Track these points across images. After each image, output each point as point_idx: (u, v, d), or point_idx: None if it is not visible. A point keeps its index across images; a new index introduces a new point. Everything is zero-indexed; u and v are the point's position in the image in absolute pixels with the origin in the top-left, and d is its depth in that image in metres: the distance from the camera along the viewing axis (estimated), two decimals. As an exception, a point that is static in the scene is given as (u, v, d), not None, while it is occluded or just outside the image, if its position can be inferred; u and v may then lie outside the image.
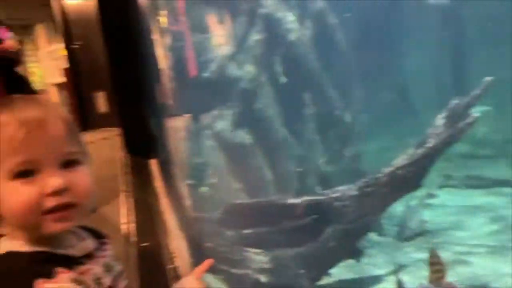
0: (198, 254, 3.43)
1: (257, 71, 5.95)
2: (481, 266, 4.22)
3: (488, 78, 3.36)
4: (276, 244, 3.51)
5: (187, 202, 4.45)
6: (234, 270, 3.21)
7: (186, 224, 3.81)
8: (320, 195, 3.65)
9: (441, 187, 6.86)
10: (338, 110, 6.23)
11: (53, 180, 0.92)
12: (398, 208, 5.94)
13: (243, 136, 6.02)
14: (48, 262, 0.88)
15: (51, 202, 0.91)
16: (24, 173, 0.88)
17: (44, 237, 0.94)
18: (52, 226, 1.00)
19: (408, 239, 5.23)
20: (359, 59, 6.55)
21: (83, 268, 0.90)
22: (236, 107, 6.02)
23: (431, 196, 5.71)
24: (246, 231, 3.54)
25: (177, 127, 6.26)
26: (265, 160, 6.00)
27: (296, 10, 5.99)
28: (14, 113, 0.89)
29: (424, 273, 4.30)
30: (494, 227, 5.27)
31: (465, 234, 5.15)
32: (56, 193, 0.93)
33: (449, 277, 4.14)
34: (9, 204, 0.87)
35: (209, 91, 6.06)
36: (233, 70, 6.00)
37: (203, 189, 5.74)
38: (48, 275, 0.81)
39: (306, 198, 3.77)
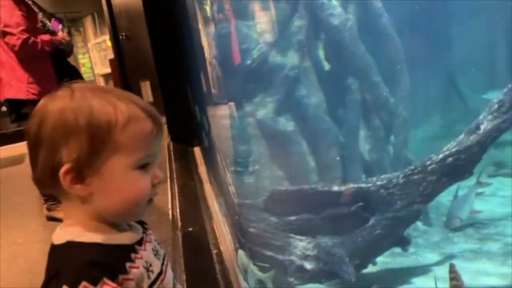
0: (242, 239, 3.49)
1: (300, 57, 5.88)
2: (535, 258, 4.04)
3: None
4: (320, 231, 3.50)
5: (231, 188, 4.53)
6: (278, 256, 3.24)
7: (230, 210, 3.88)
8: (366, 183, 3.59)
9: (492, 176, 6.55)
10: (384, 97, 6.08)
11: (158, 172, 1.01)
12: (446, 197, 5.77)
13: (286, 124, 6.00)
14: (111, 256, 0.94)
15: (154, 192, 1.05)
16: (143, 165, 0.96)
17: (114, 226, 1.02)
18: (145, 213, 1.14)
19: (457, 229, 5.06)
20: (406, 44, 6.32)
21: (137, 255, 0.98)
22: (278, 94, 6.00)
23: (482, 185, 5.45)
24: (290, 218, 3.55)
25: (221, 115, 6.33)
26: (308, 148, 5.96)
27: (339, -6, 5.86)
28: (142, 108, 0.95)
29: (473, 264, 4.18)
30: (550, 218, 5.01)
31: (518, 225, 4.92)
32: (158, 184, 1.07)
33: (501, 269, 4.00)
34: (128, 191, 0.94)
35: (251, 79, 6.08)
36: (276, 57, 5.97)
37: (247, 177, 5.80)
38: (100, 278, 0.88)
39: (351, 185, 3.73)
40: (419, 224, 5.34)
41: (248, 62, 6.21)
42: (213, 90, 7.27)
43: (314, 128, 6.05)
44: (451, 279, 2.57)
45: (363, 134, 6.14)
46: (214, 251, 3.62)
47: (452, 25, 9.28)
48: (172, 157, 7.12)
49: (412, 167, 3.41)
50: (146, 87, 14.08)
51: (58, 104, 0.93)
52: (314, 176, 5.87)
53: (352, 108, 6.08)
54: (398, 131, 6.11)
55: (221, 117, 6.70)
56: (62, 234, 0.97)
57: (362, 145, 6.15)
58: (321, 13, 5.80)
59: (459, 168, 3.21)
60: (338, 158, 5.92)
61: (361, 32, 5.84)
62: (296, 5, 5.82)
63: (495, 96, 3.65)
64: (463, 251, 4.43)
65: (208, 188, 5.49)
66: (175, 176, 6.08)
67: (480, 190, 5.52)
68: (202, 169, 6.27)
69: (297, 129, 5.96)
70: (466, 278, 3.95)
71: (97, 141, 0.90)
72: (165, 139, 8.48)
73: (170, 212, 4.80)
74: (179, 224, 4.28)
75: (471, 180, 5.40)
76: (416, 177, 3.34)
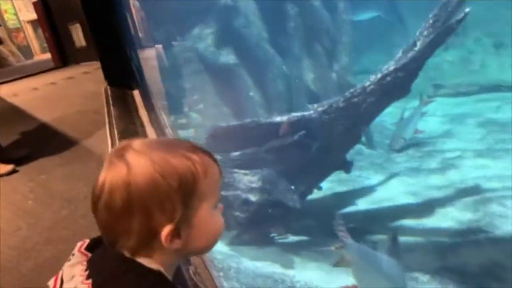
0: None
1: (236, -16, 5.53)
2: (472, 168, 4.26)
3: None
4: (265, 163, 3.45)
5: (168, 131, 4.34)
6: (223, 192, 3.18)
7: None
8: (307, 111, 3.52)
9: (431, 97, 6.76)
10: (325, 23, 5.90)
11: (220, 203, 1.07)
12: (390, 120, 5.91)
13: (227, 56, 5.76)
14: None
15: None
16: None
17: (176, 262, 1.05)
18: None
19: (400, 150, 5.24)
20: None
21: None
22: (217, 25, 5.69)
23: (425, 103, 5.63)
24: (233, 154, 3.46)
25: (151, 56, 5.98)
26: (252, 81, 5.80)
27: None
28: (208, 154, 1.03)
29: (415, 180, 4.36)
30: (482, 131, 5.28)
31: (454, 141, 5.16)
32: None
33: (439, 182, 4.20)
34: (214, 230, 1.01)
35: (187, 10, 5.70)
36: (211, -14, 5.58)
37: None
38: None
39: (293, 114, 3.65)
40: (363, 148, 5.48)
41: (182, -8, 5.79)
42: (146, 27, 6.82)
43: (257, 60, 5.86)
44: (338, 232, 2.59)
45: (307, 62, 6.03)
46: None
47: None
48: (110, 102, 6.73)
49: (352, 90, 3.36)
50: (77, 31, 13.04)
51: (141, 170, 0.93)
52: (260, 109, 5.77)
53: (294, 36, 5.89)
54: (341, 57, 6.04)
55: (152, 58, 6.34)
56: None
57: (306, 74, 6.06)
58: None
59: (397, 86, 3.19)
60: (283, 89, 5.83)
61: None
62: None
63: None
64: (405, 169, 4.60)
65: (150, 131, 5.25)
66: (114, 121, 5.77)
67: (424, 110, 5.69)
68: (142, 112, 5.98)
69: (239, 61, 5.74)
70: (408, 195, 4.14)
71: (189, 197, 0.95)
72: (102, 84, 8.00)
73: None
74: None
75: (414, 102, 5.54)
76: (356, 99, 3.30)
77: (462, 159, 4.57)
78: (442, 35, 3.09)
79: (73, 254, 1.05)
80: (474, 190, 3.81)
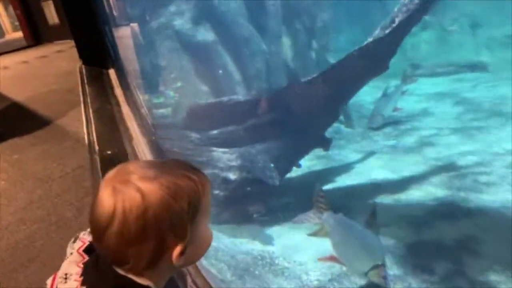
0: (162, 158, 3.32)
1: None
2: (447, 146, 4.33)
3: None
4: (244, 141, 3.43)
5: (144, 110, 4.26)
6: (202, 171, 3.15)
7: (148, 130, 3.65)
8: (285, 88, 3.49)
9: (410, 76, 6.81)
10: (304, 1, 5.82)
11: None
12: (369, 99, 5.95)
13: (205, 34, 5.64)
14: None
15: None
16: None
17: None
18: None
19: (378, 128, 5.29)
20: None
21: None
22: (194, 2, 5.55)
23: (408, 81, 5.68)
24: (211, 132, 3.42)
25: (126, 35, 5.81)
26: (231, 58, 5.71)
27: None
28: (201, 171, 1.03)
29: (392, 158, 4.41)
30: (458, 110, 5.37)
31: (431, 119, 5.23)
32: None
33: (416, 160, 4.26)
34: (208, 243, 1.05)
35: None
36: (186, -40, 5.41)
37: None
38: None
39: (271, 92, 3.61)
40: (341, 126, 5.50)
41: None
42: (121, 4, 6.60)
43: (235, 37, 5.75)
44: (316, 203, 2.62)
45: (286, 40, 5.96)
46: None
47: None
48: (85, 81, 6.56)
49: (330, 67, 3.34)
50: (49, 8, 12.56)
51: (155, 196, 0.93)
52: (238, 87, 5.71)
53: (273, 13, 5.80)
54: (320, 35, 6.00)
55: (132, 34, 6.16)
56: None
57: (285, 52, 6.00)
58: None
59: (375, 62, 3.19)
60: (262, 66, 5.77)
61: None
62: None
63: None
64: (382, 147, 4.65)
65: (126, 110, 5.16)
66: (89, 100, 5.63)
67: (404, 88, 5.75)
68: (118, 91, 5.86)
69: (217, 38, 5.63)
70: (386, 172, 4.20)
71: (195, 215, 0.98)
72: (76, 63, 7.78)
73: (86, 137, 4.47)
74: (97, 148, 4.04)
75: (394, 81, 5.57)
76: (334, 75, 3.28)
77: (438, 137, 4.65)
78: (419, 12, 3.08)
79: (71, 253, 1.07)
80: (449, 167, 3.89)
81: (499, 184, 3.48)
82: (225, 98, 3.55)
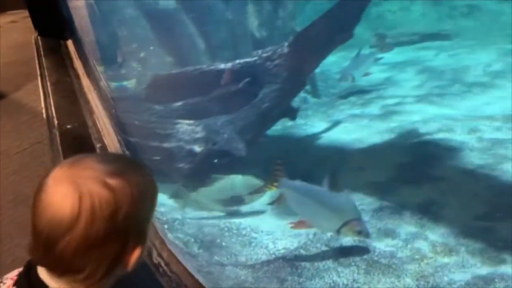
0: (125, 132, 3.23)
1: None
2: (411, 113, 4.42)
3: None
4: (209, 113, 3.36)
5: (103, 83, 4.09)
6: (165, 144, 3.07)
7: (109, 103, 3.52)
8: (251, 57, 3.42)
9: (373, 46, 6.84)
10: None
11: None
12: (335, 69, 5.96)
13: (167, 1, 5.43)
14: None
15: None
16: None
17: None
18: None
19: (343, 97, 5.33)
20: None
21: None
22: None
23: (384, 49, 5.71)
24: (175, 104, 3.33)
25: (84, 3, 5.52)
26: (195, 27, 5.54)
27: None
28: (150, 169, 0.96)
29: (357, 126, 4.47)
30: (421, 78, 5.47)
31: (395, 88, 5.31)
32: None
33: (380, 127, 4.33)
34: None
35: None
36: None
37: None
38: None
39: (237, 62, 3.53)
40: (308, 97, 5.51)
41: None
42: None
43: (198, 5, 5.57)
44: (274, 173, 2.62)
45: (251, 8, 5.82)
46: (98, 145, 3.35)
47: None
48: (42, 53, 6.22)
49: (296, 35, 3.29)
50: (-1, -26, 11.74)
51: (124, 193, 0.84)
52: (203, 57, 5.57)
53: (237, -20, 5.62)
54: (286, 4, 5.89)
55: (81, 7, 5.86)
56: None
57: (250, 21, 5.87)
58: None
59: (339, 30, 3.16)
60: (226, 35, 5.63)
61: None
62: None
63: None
64: (348, 116, 4.70)
65: (86, 82, 4.93)
66: (46, 73, 5.35)
67: (379, 56, 5.80)
68: (78, 64, 5.58)
69: (179, 6, 5.44)
70: (351, 140, 4.25)
71: (152, 215, 0.92)
72: (32, 34, 7.36)
73: (43, 111, 4.27)
74: (56, 122, 3.87)
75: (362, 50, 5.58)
76: (299, 44, 3.23)
77: (402, 105, 4.73)
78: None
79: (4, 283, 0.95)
80: (412, 134, 3.97)
81: (459, 149, 3.59)
82: (189, 68, 3.46)
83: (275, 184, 2.64)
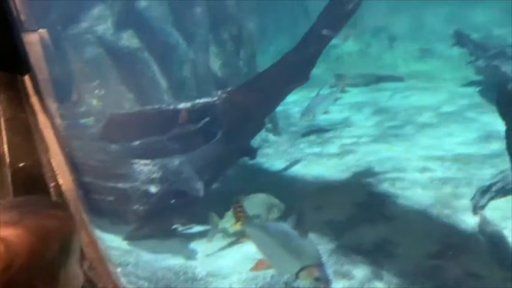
0: (80, 171, 3.14)
1: (136, -37, 5.22)
2: (366, 153, 4.56)
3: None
4: (168, 152, 3.33)
5: (56, 121, 4.00)
6: (120, 185, 3.01)
7: (63, 141, 3.42)
8: (211, 97, 3.45)
9: (333, 86, 7.09)
10: (231, 10, 5.85)
11: None
12: (296, 109, 6.11)
13: (128, 40, 5.44)
14: None
15: None
16: None
17: None
18: None
19: (303, 135, 5.45)
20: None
21: None
22: (117, 7, 5.34)
23: (342, 91, 5.91)
24: (132, 143, 3.28)
25: (35, 42, 5.46)
26: (157, 66, 5.56)
27: None
28: (65, 207, 1.07)
29: (316, 165, 4.55)
30: (377, 118, 5.68)
31: (352, 128, 5.49)
32: None
33: (338, 166, 4.43)
34: (78, 282, 0.95)
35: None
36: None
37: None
38: None
39: (197, 101, 3.56)
40: (269, 135, 5.59)
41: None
42: (24, 14, 6.16)
43: (162, 44, 5.63)
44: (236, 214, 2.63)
45: (213, 49, 5.93)
46: (52, 184, 3.23)
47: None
48: (-4, 87, 6.02)
49: (254, 75, 3.37)
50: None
51: (20, 243, 0.79)
52: (165, 95, 5.57)
53: (200, 22, 5.74)
54: (247, 45, 6.05)
55: (36, 44, 5.79)
56: None
57: (213, 60, 5.97)
58: None
59: (296, 72, 3.27)
60: (189, 74, 5.69)
61: None
62: None
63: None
64: (307, 155, 4.79)
65: (42, 118, 4.77)
66: (1, 108, 5.17)
67: (339, 95, 5.98)
68: (34, 99, 5.43)
69: (142, 45, 5.48)
70: (310, 179, 4.31)
71: (67, 257, 0.89)
72: (-13, 67, 7.12)
73: (-5, 149, 4.09)
74: (7, 160, 3.72)
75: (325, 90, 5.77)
76: (258, 84, 3.31)
77: (358, 144, 4.88)
78: (338, 22, 3.22)
79: None
80: (368, 173, 4.08)
81: (412, 188, 3.71)
82: (147, 107, 3.44)
83: (238, 223, 2.60)
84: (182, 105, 3.58)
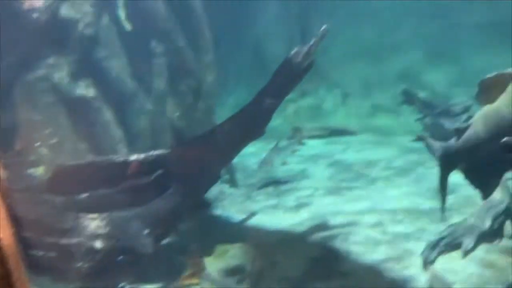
0: (21, 225, 2.94)
1: (97, 14, 5.25)
2: (321, 206, 4.60)
3: (324, 27, 3.44)
4: (116, 206, 3.20)
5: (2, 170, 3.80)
6: (64, 241, 2.83)
7: (4, 192, 3.22)
8: (165, 149, 3.41)
9: (291, 138, 7.24)
10: (190, 62, 5.96)
11: None
12: (253, 160, 6.14)
13: (85, 89, 5.37)
14: None
15: None
16: None
17: None
18: None
19: (260, 187, 5.46)
20: (212, 12, 6.30)
21: None
22: (74, 55, 5.29)
23: (299, 143, 6.06)
24: (79, 196, 3.14)
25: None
26: (113, 116, 5.49)
27: None
28: None
29: (272, 218, 4.53)
30: (331, 171, 5.81)
31: (308, 180, 5.56)
32: None
33: (294, 220, 4.42)
34: None
35: (40, 35, 5.21)
36: (68, 13, 5.20)
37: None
38: None
39: (150, 153, 3.50)
40: (226, 187, 5.55)
41: (35, 15, 5.29)
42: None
43: (119, 94, 5.59)
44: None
45: (172, 100, 5.95)
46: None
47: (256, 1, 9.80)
48: None
49: (210, 129, 3.38)
50: None
51: None
52: (120, 146, 5.47)
53: (159, 73, 5.79)
54: (206, 97, 6.12)
55: (5, 84, 5.63)
56: None
57: (171, 112, 5.96)
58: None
59: (252, 126, 3.31)
60: (146, 125, 5.64)
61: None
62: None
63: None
64: (264, 207, 4.77)
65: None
66: None
67: (296, 147, 6.12)
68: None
69: (98, 94, 5.41)
70: (265, 233, 4.27)
71: None
72: None
73: None
74: None
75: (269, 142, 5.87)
76: (214, 137, 3.31)
77: (314, 197, 4.93)
78: (291, 81, 3.34)
79: None
80: (323, 227, 4.10)
81: (365, 243, 3.74)
82: (97, 158, 3.34)
83: (195, 278, 2.50)
84: (134, 157, 3.50)
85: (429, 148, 3.09)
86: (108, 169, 3.29)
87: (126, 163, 3.40)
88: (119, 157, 3.46)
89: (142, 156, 3.44)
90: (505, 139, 1.66)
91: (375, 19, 8.65)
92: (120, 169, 3.35)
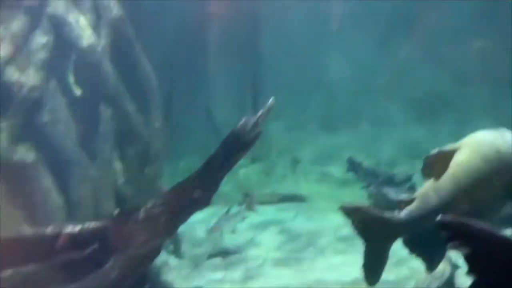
0: None
1: (43, 78, 5.15)
2: (270, 278, 4.47)
3: (271, 100, 3.53)
4: (46, 283, 2.93)
5: None
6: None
7: None
8: (103, 221, 3.23)
9: (241, 204, 7.17)
10: (138, 127, 5.89)
11: None
12: (200, 227, 5.96)
13: (24, 153, 5.11)
14: None
15: None
16: None
17: None
18: None
19: (207, 258, 5.26)
20: (161, 75, 6.38)
21: None
22: (16, 119, 5.09)
23: (250, 210, 5.97)
24: (3, 273, 2.85)
25: None
26: (54, 183, 5.22)
27: (90, 14, 5.45)
28: None
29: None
30: (281, 239, 5.74)
31: (257, 249, 5.44)
32: None
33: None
34: None
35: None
36: (12, 75, 5.07)
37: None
38: None
39: (86, 225, 3.29)
40: (171, 258, 5.29)
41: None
42: None
43: (61, 160, 5.36)
44: None
45: (118, 166, 5.78)
46: None
47: (210, 62, 10.13)
48: None
49: (153, 201, 3.25)
50: None
51: None
52: (62, 214, 5.17)
53: (105, 138, 5.65)
54: (152, 162, 6.00)
55: None
56: None
57: (116, 178, 5.76)
58: (68, 32, 5.24)
59: (198, 195, 3.23)
60: (89, 193, 5.40)
61: (113, 58, 5.54)
62: (38, 19, 5.10)
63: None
64: (209, 281, 4.56)
65: None
66: None
67: (247, 214, 6.02)
68: None
69: (39, 160, 5.17)
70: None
71: None
72: None
73: None
74: None
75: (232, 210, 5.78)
76: (157, 209, 3.18)
77: (262, 268, 4.80)
78: (239, 151, 3.34)
79: None
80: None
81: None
82: (26, 231, 3.09)
83: None
84: (69, 228, 3.27)
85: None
86: (37, 243, 3.04)
87: (57, 236, 3.17)
88: (52, 229, 3.21)
89: (77, 228, 3.23)
90: (439, 217, 1.69)
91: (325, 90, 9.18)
92: (50, 242, 3.10)
